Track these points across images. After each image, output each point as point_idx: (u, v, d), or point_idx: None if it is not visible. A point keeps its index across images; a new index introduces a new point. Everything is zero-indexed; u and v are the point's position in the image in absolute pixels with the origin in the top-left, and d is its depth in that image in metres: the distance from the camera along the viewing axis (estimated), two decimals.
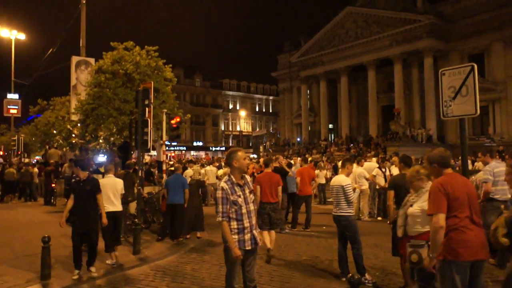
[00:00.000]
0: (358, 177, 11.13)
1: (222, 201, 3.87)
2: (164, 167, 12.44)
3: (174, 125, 13.05)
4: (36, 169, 18.22)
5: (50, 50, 21.97)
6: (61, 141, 21.28)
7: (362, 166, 11.95)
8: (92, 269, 6.18)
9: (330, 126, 41.59)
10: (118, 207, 6.90)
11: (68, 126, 18.73)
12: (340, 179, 6.03)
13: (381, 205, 11.46)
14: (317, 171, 13.38)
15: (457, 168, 11.37)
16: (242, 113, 61.13)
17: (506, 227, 3.37)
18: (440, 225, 3.27)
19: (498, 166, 6.58)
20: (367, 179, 11.32)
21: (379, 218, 11.32)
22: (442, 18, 31.86)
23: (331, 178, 11.97)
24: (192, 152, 55.55)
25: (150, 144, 8.90)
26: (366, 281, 5.59)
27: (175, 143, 49.74)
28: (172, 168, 11.91)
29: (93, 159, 14.13)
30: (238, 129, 63.71)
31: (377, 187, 11.43)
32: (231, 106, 65.29)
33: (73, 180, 6.36)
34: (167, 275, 6.30)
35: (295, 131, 45.88)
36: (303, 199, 10.25)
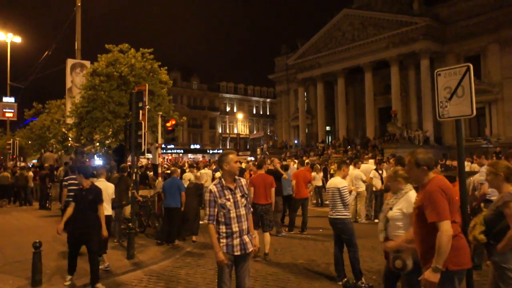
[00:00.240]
0: (355, 179, 11.09)
1: (210, 204, 3.83)
2: (159, 170, 12.38)
3: (170, 128, 12.99)
4: (31, 173, 18.05)
5: (46, 53, 21.92)
6: (56, 144, 21.11)
7: (359, 168, 11.89)
8: (98, 285, 5.71)
9: (328, 128, 41.55)
10: (108, 211, 6.97)
11: (63, 129, 18.56)
12: (336, 181, 5.95)
13: (378, 207, 11.39)
14: (313, 174, 13.31)
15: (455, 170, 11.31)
16: (240, 115, 61.07)
17: (484, 225, 3.50)
18: (452, 233, 2.96)
19: None
20: (364, 181, 11.28)
21: (376, 221, 11.22)
22: (438, 20, 31.96)
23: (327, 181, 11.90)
24: (190, 155, 55.38)
25: (144, 147, 8.79)
26: (363, 285, 5.53)
27: (172, 146, 49.59)
28: (168, 172, 11.84)
29: (91, 163, 14.02)
30: (235, 131, 63.53)
31: (374, 189, 11.40)
32: (228, 109, 65.22)
33: (75, 187, 6.39)
34: (161, 280, 6.20)
35: (292, 134, 45.83)
36: (299, 202, 10.17)
